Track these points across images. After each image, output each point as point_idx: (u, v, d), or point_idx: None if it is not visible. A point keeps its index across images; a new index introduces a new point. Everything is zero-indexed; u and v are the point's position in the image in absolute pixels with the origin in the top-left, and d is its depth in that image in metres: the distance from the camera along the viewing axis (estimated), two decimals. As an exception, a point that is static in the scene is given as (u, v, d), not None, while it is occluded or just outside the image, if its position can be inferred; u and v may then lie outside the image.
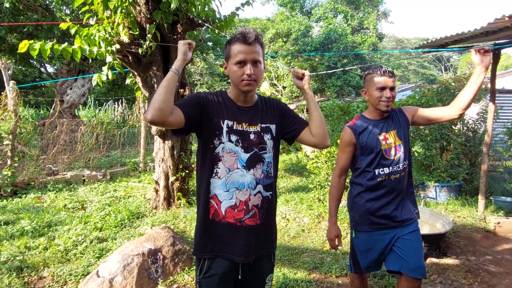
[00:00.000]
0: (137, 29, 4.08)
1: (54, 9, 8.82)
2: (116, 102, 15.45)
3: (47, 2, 8.79)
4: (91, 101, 15.57)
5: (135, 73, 4.58)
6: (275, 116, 1.63)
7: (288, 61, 19.18)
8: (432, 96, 5.80)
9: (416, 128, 5.85)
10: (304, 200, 5.17)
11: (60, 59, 8.58)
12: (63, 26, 4.06)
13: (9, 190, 5.80)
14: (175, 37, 4.40)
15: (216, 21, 4.59)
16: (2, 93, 6.84)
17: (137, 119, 10.02)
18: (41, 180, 6.49)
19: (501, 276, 3.11)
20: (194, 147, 7.06)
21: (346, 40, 19.18)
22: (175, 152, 4.87)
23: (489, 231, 4.16)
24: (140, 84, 4.64)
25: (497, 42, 4.20)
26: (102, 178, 7.25)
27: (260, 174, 1.53)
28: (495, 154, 5.99)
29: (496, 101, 4.57)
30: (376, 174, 1.98)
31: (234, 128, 1.52)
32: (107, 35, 4.09)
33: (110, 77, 4.44)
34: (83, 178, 6.94)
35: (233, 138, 1.51)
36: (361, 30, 22.47)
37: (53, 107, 9.45)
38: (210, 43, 12.37)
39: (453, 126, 5.78)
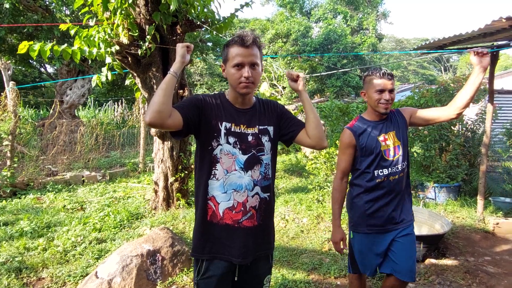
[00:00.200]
0: (137, 30, 4.09)
1: (54, 10, 8.82)
2: (115, 103, 15.46)
3: (47, 2, 8.79)
4: (91, 102, 15.57)
5: (135, 74, 4.59)
6: (273, 118, 1.64)
7: (288, 62, 19.19)
8: (431, 97, 5.81)
9: (415, 128, 5.85)
10: (303, 201, 5.16)
11: (60, 59, 8.57)
12: (63, 27, 4.08)
13: (8, 191, 5.80)
14: (174, 38, 4.41)
15: (216, 22, 4.59)
16: (1, 93, 6.83)
17: (136, 120, 10.03)
18: (40, 180, 6.49)
19: (500, 277, 3.12)
20: (194, 147, 7.04)
21: (345, 41, 19.22)
22: (174, 153, 4.87)
23: (488, 231, 4.16)
24: (139, 85, 4.64)
25: (495, 43, 4.22)
26: (102, 178, 7.25)
27: (258, 175, 1.54)
28: (494, 155, 6.00)
29: (495, 102, 4.59)
30: (375, 175, 1.99)
31: (232, 130, 1.53)
32: (107, 36, 4.10)
33: (109, 78, 4.47)
34: (82, 178, 6.93)
35: (231, 140, 1.52)
36: (361, 31, 22.51)
37: (52, 108, 9.44)
38: (209, 44, 12.38)
39: (452, 127, 5.78)
